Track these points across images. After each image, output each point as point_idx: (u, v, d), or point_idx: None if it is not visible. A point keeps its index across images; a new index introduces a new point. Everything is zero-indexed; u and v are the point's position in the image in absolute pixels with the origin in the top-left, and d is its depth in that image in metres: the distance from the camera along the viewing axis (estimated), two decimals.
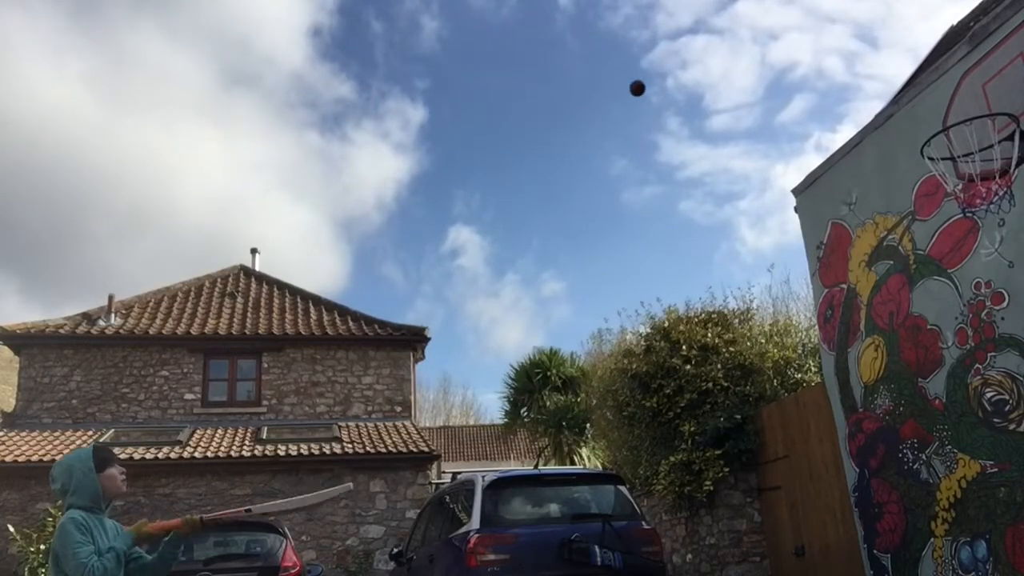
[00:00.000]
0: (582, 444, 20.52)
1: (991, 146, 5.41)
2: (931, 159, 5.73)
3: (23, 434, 14.83)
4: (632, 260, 77.95)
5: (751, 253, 72.90)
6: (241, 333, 16.95)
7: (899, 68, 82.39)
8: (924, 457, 6.35)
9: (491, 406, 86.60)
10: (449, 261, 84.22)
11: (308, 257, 68.34)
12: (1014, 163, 5.37)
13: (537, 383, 22.98)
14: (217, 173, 69.83)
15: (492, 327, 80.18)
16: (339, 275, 76.01)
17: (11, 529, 12.32)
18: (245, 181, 74.03)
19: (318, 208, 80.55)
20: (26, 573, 11.74)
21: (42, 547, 11.70)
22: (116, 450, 14.29)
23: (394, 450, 14.87)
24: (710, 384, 10.06)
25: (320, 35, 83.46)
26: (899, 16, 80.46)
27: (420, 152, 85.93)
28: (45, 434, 14.92)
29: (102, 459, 3.58)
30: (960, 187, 5.89)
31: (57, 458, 13.22)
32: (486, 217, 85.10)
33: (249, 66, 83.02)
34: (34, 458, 13.52)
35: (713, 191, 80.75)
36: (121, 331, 16.37)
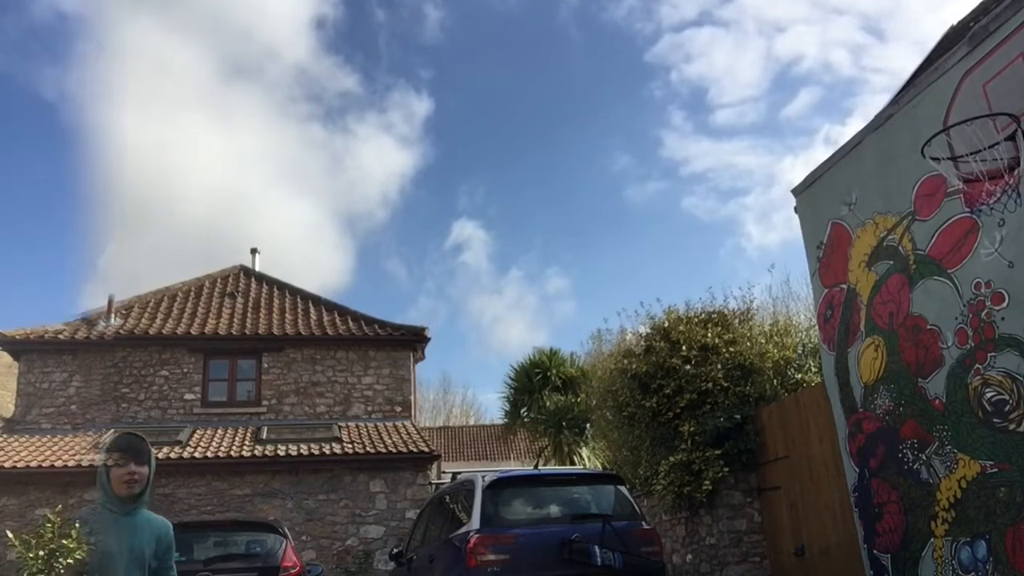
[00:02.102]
0: (582, 444, 20.53)
1: (992, 146, 5.41)
2: (932, 159, 5.73)
3: (22, 440, 14.79)
4: (636, 257, 77.92)
5: (757, 249, 72.78)
6: (241, 333, 16.93)
7: (906, 61, 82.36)
8: (924, 457, 6.34)
9: (491, 406, 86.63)
10: (452, 258, 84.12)
11: (312, 253, 68.15)
12: (1015, 163, 5.36)
13: (537, 383, 22.98)
14: (218, 167, 69.69)
15: (494, 325, 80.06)
16: (342, 271, 75.99)
17: (10, 535, 12.23)
18: (247, 176, 73.88)
19: (321, 203, 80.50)
20: None
21: (41, 553, 11.66)
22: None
23: (394, 450, 14.86)
24: (710, 384, 10.06)
25: (324, 27, 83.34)
26: (906, 8, 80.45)
27: (424, 145, 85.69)
28: (44, 440, 14.88)
29: (117, 453, 3.36)
30: (960, 187, 5.88)
31: (56, 464, 13.31)
32: (490, 212, 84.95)
33: (251, 58, 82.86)
34: (33, 464, 13.49)
35: (717, 187, 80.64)
36: (121, 331, 16.35)
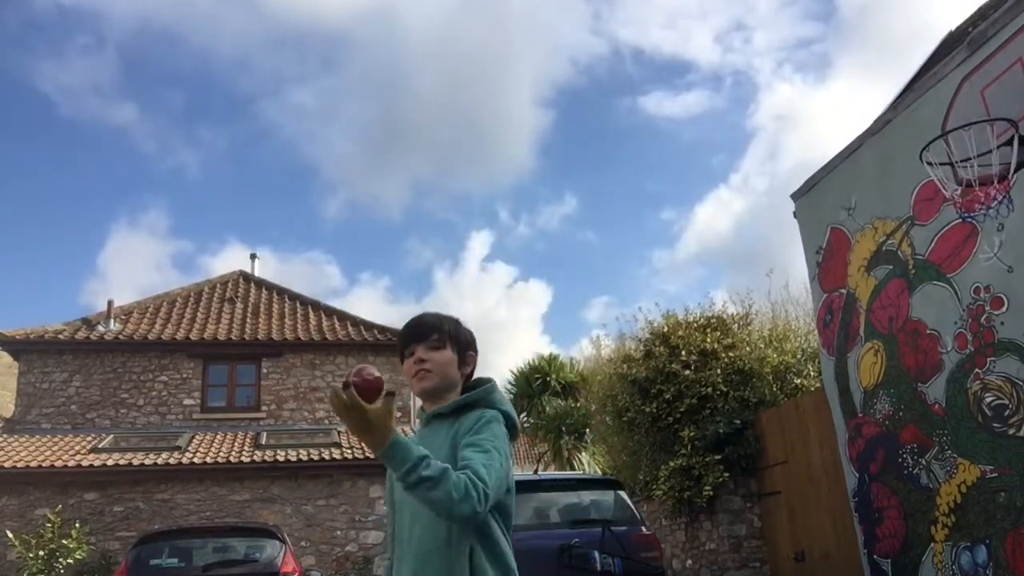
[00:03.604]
0: (582, 449, 20.50)
1: (990, 151, 5.42)
2: (929, 164, 5.74)
3: (22, 440, 14.77)
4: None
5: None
6: (240, 339, 16.91)
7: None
8: (924, 462, 6.34)
9: None
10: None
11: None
12: (1013, 168, 5.37)
13: (537, 388, 22.98)
14: None
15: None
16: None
17: (10, 535, 12.26)
18: None
19: None
20: None
21: (40, 553, 11.63)
22: (115, 455, 14.42)
23: None
24: (709, 389, 10.06)
25: None
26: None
27: None
28: (44, 440, 14.86)
29: None
30: (959, 192, 5.89)
31: (56, 464, 13.31)
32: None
33: None
34: (33, 464, 13.47)
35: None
36: (120, 336, 16.34)
